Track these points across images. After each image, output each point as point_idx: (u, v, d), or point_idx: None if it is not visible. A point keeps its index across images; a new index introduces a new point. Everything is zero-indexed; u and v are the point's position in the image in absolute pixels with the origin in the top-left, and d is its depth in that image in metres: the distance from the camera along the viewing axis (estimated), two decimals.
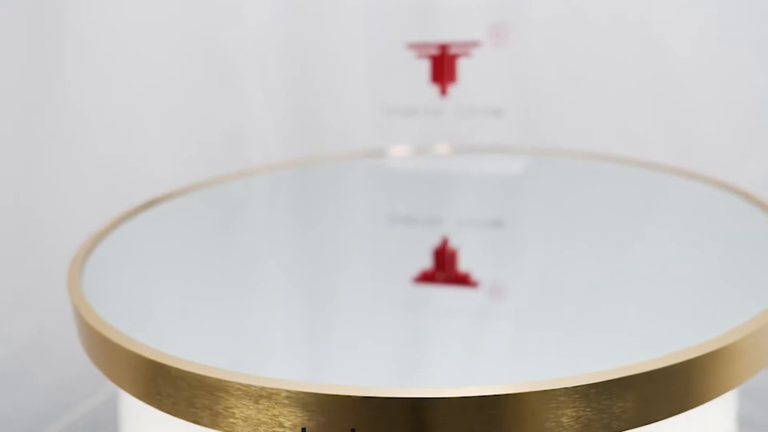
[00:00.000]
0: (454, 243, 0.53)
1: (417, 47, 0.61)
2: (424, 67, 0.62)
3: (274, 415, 0.31)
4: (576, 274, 0.48)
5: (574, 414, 0.31)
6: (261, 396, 0.31)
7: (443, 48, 0.60)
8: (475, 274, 0.48)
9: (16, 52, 0.76)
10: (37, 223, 0.78)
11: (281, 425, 0.31)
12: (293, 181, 0.68)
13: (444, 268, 0.50)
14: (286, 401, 0.31)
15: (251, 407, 0.31)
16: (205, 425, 0.33)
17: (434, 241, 0.53)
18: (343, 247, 0.55)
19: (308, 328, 0.44)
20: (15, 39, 0.76)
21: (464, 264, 0.50)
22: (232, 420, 0.32)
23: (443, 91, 0.61)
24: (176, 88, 0.80)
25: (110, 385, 0.53)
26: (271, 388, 0.31)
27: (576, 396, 0.30)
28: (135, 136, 0.79)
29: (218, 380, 0.32)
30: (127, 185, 0.77)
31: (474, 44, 0.60)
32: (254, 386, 0.31)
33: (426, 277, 0.48)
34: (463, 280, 0.48)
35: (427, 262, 0.50)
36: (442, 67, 0.60)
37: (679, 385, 0.32)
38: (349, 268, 0.52)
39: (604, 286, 0.46)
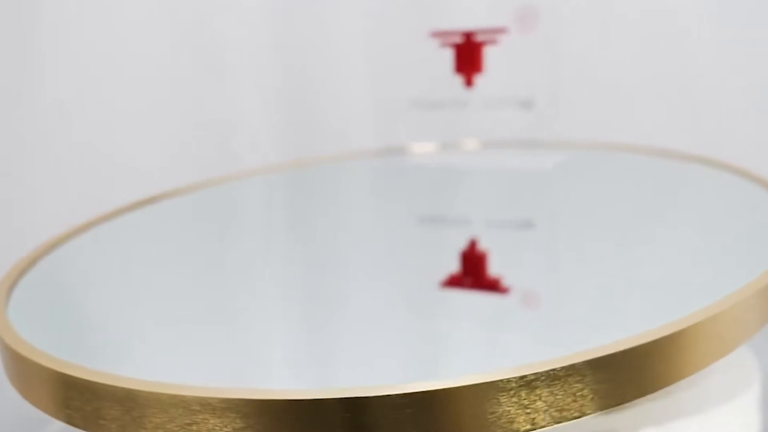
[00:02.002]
0: (482, 245, 0.49)
1: (440, 35, 0.57)
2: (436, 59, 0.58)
3: (240, 428, 0.28)
4: (609, 276, 0.44)
5: (546, 400, 0.29)
6: (223, 408, 0.28)
7: (468, 36, 0.57)
8: (494, 276, 0.46)
9: None
10: (15, 223, 0.75)
11: None
12: (303, 182, 0.65)
13: (472, 273, 0.46)
14: (249, 410, 0.28)
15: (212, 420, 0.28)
16: None
17: (449, 243, 0.50)
18: (355, 251, 0.52)
19: (312, 342, 0.41)
20: None
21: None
22: None
23: (468, 82, 0.57)
24: (167, 85, 0.78)
25: None
26: (232, 399, 0.28)
27: (541, 383, 0.28)
28: (125, 135, 0.77)
29: (172, 396, 0.29)
30: (115, 185, 0.74)
31: (500, 31, 0.57)
32: (214, 398, 0.28)
33: (453, 282, 0.44)
34: (493, 286, 0.45)
35: (447, 266, 0.47)
36: (467, 56, 0.57)
37: (648, 365, 0.30)
38: (358, 272, 0.49)
39: (638, 289, 0.43)
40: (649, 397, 0.37)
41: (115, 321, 0.41)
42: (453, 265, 0.47)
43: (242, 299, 0.45)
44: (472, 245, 0.49)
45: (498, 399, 0.28)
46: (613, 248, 0.48)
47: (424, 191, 0.62)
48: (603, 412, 0.30)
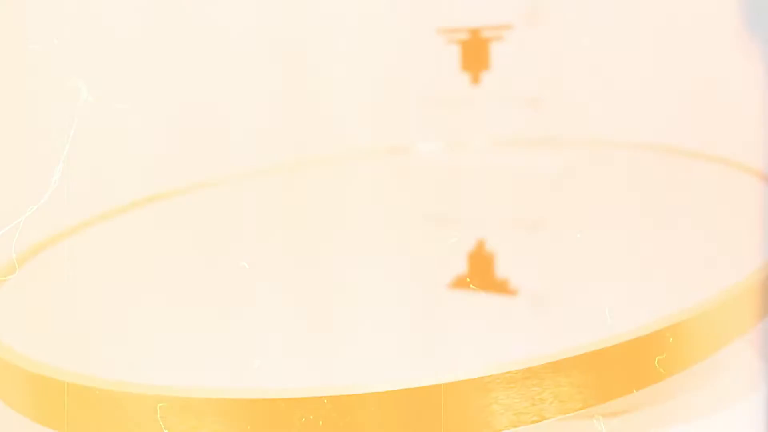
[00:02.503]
0: (490, 247, 0.49)
1: (446, 32, 0.56)
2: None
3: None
4: (615, 275, 0.44)
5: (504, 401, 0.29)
6: (180, 407, 0.28)
7: (474, 32, 0.56)
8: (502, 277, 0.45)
9: None
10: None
11: None
12: (303, 182, 0.64)
13: (479, 275, 0.45)
14: (205, 409, 0.28)
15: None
16: None
17: (455, 243, 0.49)
18: (357, 251, 0.52)
19: (312, 342, 0.41)
20: None
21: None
22: None
23: (475, 80, 0.56)
24: (167, 84, 0.77)
25: None
26: (188, 398, 0.28)
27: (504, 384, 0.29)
28: (124, 135, 0.76)
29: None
30: (114, 185, 0.73)
31: (506, 27, 0.56)
32: (171, 397, 0.29)
33: (461, 283, 0.44)
34: (501, 288, 0.44)
35: (451, 267, 0.46)
36: (474, 53, 0.56)
37: (611, 369, 0.30)
38: (361, 272, 0.49)
39: (645, 288, 0.42)
40: (651, 398, 0.36)
41: (112, 321, 0.41)
42: (458, 266, 0.46)
43: (242, 299, 0.44)
44: (480, 246, 0.49)
45: (453, 401, 0.28)
46: (619, 247, 0.47)
47: (428, 191, 0.61)
48: (572, 412, 0.29)
